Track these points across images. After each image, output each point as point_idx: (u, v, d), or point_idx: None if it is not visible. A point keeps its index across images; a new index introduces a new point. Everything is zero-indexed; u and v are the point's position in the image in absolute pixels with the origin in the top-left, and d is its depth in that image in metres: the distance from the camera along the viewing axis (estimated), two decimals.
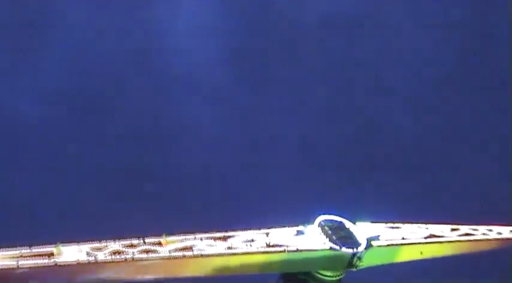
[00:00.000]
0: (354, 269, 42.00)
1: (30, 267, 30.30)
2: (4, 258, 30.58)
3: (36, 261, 30.54)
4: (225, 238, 37.41)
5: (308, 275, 41.45)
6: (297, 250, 39.05)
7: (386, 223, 45.19)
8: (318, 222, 41.60)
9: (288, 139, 62.19)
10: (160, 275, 34.92)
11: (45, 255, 31.16)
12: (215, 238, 36.99)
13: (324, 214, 42.38)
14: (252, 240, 38.28)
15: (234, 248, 37.03)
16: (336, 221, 42.43)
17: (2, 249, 30.68)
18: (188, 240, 35.93)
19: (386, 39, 70.25)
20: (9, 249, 30.70)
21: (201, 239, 36.46)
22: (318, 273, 41.31)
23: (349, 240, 41.52)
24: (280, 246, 38.67)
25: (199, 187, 58.19)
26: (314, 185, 56.42)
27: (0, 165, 59.83)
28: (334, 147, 62.81)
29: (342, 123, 64.70)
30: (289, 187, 57.76)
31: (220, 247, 36.70)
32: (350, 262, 41.30)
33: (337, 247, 40.25)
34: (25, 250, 30.82)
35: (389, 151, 62.40)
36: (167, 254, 34.36)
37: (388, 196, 53.88)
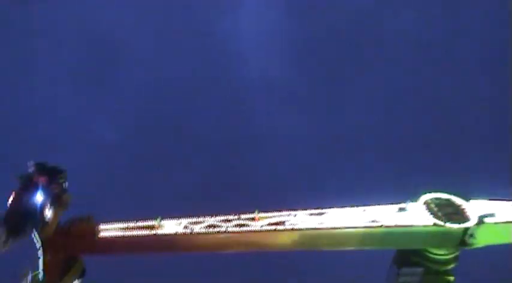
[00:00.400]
0: (468, 247, 41.60)
1: (133, 237, 35.94)
2: (114, 230, 36.56)
3: (139, 232, 36.26)
4: (319, 214, 39.68)
5: (420, 256, 41.52)
6: (396, 226, 39.84)
7: (506, 200, 43.70)
8: (423, 199, 41.65)
9: (372, 127, 61.52)
10: (251, 248, 38.17)
11: (148, 227, 36.72)
12: (309, 214, 39.51)
13: (430, 192, 42.50)
14: (349, 217, 39.98)
15: (327, 223, 39.06)
16: (444, 198, 42.02)
17: (114, 222, 36.76)
18: (282, 216, 38.87)
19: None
20: (120, 222, 36.68)
21: (295, 215, 39.26)
22: (430, 252, 41.24)
23: (456, 216, 40.87)
24: (378, 221, 39.70)
25: (294, 176, 59.72)
26: (421, 165, 55.32)
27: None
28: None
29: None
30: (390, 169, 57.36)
31: (313, 222, 39.09)
32: (462, 239, 40.73)
33: (441, 223, 40.00)
34: (131, 224, 36.58)
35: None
36: (258, 228, 37.85)
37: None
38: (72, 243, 34.77)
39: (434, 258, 41.53)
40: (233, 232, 37.03)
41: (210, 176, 65.63)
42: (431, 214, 40.61)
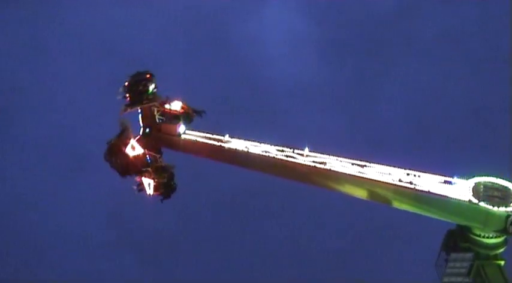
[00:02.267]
0: (509, 236, 42.45)
1: (204, 143, 47.27)
2: (194, 135, 48.26)
3: (211, 142, 47.27)
4: (361, 166, 45.00)
5: (469, 241, 43.51)
6: (428, 192, 42.95)
7: None
8: (474, 179, 43.52)
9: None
10: (292, 177, 45.54)
11: (218, 140, 47.23)
12: (352, 163, 45.19)
13: (486, 175, 43.87)
14: (389, 174, 44.44)
15: (365, 174, 43.98)
16: (496, 183, 43.32)
17: (197, 131, 48.43)
18: (327, 158, 45.53)
19: None
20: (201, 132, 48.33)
21: (340, 161, 45.51)
22: (478, 236, 43.02)
23: (499, 200, 42.14)
24: (413, 184, 43.21)
25: None
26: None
27: None
28: None
29: None
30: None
31: (352, 170, 44.63)
32: (504, 228, 41.61)
33: (476, 201, 41.92)
34: (208, 135, 47.86)
35: None
36: (302, 162, 45.25)
37: None
38: (159, 137, 47.65)
39: (483, 242, 43.22)
40: (281, 160, 45.32)
41: None
42: (472, 191, 42.70)
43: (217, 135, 47.14)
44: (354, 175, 44.36)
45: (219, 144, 46.61)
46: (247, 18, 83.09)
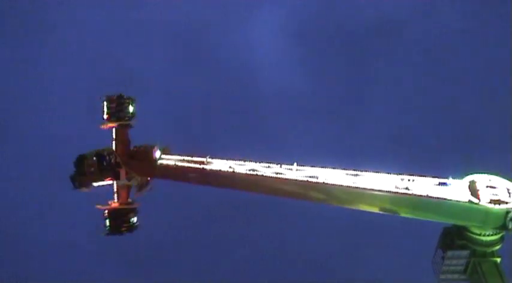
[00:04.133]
0: (509, 232, 41.33)
1: (184, 167, 43.46)
2: (172, 160, 44.45)
3: (191, 165, 43.67)
4: (355, 175, 42.98)
5: (466, 239, 42.50)
6: (427, 197, 41.46)
7: None
8: (468, 178, 42.43)
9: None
10: (284, 195, 42.83)
11: (199, 162, 43.89)
12: (345, 174, 42.90)
13: (479, 173, 42.85)
14: (382, 182, 42.33)
15: (361, 184, 41.86)
16: (490, 180, 42.29)
17: (174, 155, 44.68)
18: (317, 170, 43.17)
19: None
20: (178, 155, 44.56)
21: (332, 172, 43.14)
22: (475, 234, 42.07)
23: (498, 198, 41.00)
24: (410, 190, 41.64)
25: None
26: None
27: None
28: None
29: None
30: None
31: (347, 180, 42.54)
32: (503, 223, 40.87)
33: (476, 201, 40.85)
34: (186, 157, 44.15)
35: None
36: (293, 177, 42.62)
37: None
38: (135, 164, 43.73)
39: (480, 240, 42.28)
40: (269, 177, 42.59)
41: None
42: (471, 192, 41.55)
43: (197, 156, 43.73)
44: (349, 187, 42.18)
45: (200, 166, 43.25)
46: (231, 30, 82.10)
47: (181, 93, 77.03)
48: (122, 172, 43.03)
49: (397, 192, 41.80)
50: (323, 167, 42.98)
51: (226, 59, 78.95)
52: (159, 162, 43.67)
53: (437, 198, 41.55)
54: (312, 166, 43.05)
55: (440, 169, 43.82)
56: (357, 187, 41.95)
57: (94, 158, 42.27)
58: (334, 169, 42.94)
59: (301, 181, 42.16)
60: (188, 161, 43.54)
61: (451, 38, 71.49)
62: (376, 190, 41.84)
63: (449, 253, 43.03)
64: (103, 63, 78.42)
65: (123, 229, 43.62)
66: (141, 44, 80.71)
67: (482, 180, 42.57)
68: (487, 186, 42.22)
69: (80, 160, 42.85)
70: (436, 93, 68.93)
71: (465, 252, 43.03)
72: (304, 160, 42.22)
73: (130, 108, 44.46)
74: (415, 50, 72.49)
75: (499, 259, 43.02)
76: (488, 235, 42.28)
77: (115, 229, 43.61)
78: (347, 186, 42.05)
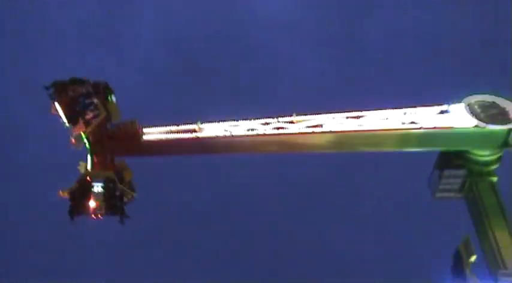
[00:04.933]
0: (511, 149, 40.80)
1: (175, 139, 37.76)
2: (158, 133, 38.47)
3: (181, 135, 38.03)
4: (358, 117, 40.08)
5: (463, 158, 41.72)
6: (435, 128, 39.79)
7: None
8: (466, 101, 40.95)
9: None
10: (289, 150, 39.25)
11: (189, 131, 38.38)
12: (347, 117, 39.91)
13: (473, 94, 41.58)
14: (387, 119, 40.06)
15: (365, 125, 39.24)
16: (487, 100, 41.24)
17: (156, 126, 38.60)
18: (319, 118, 39.60)
19: None
20: (161, 126, 38.49)
21: (333, 118, 39.78)
22: (473, 154, 41.31)
23: (500, 117, 40.32)
24: (417, 123, 39.66)
25: None
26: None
27: None
28: None
29: None
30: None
31: (351, 124, 39.60)
32: (505, 140, 40.18)
33: (483, 124, 39.65)
34: (173, 127, 38.33)
35: None
36: (296, 130, 38.84)
37: None
38: (117, 145, 37.15)
39: (477, 159, 41.68)
40: (271, 134, 38.27)
41: None
42: (473, 115, 40.14)
43: (186, 123, 37.91)
44: (357, 131, 39.15)
45: (193, 135, 37.62)
46: None
47: None
48: None
49: (405, 129, 39.61)
50: (321, 112, 39.75)
51: None
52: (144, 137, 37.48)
53: (445, 128, 39.84)
54: (313, 113, 39.41)
55: (437, 95, 42.52)
56: (364, 131, 39.21)
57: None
58: (335, 114, 39.80)
59: (306, 133, 38.51)
60: (177, 132, 37.77)
61: None
62: (384, 130, 39.43)
63: (446, 172, 42.42)
64: None
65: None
66: None
67: (480, 100, 41.19)
68: (487, 107, 41.19)
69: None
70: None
71: (462, 171, 42.39)
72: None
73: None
74: None
75: (495, 179, 42.56)
76: (486, 155, 41.59)
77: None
78: (354, 131, 39.10)
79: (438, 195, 43.52)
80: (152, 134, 37.68)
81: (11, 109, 66.11)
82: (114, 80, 37.83)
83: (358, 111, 39.97)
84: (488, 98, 41.51)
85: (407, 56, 63.70)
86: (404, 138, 39.82)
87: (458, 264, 41.25)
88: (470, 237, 40.87)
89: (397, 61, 63.19)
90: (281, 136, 38.22)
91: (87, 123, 36.46)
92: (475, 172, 42.37)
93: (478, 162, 41.90)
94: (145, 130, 37.66)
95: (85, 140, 36.61)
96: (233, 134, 37.94)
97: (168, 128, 37.82)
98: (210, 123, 38.25)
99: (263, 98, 59.24)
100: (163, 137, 37.57)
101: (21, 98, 63.88)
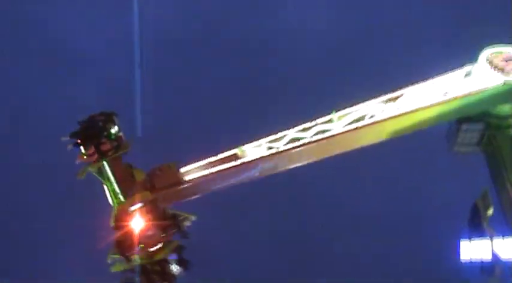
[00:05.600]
0: None
1: (220, 171, 32.55)
2: (198, 169, 33.06)
3: (225, 165, 32.84)
4: (394, 99, 36.99)
5: (481, 112, 39.59)
6: (469, 94, 37.51)
7: None
8: (484, 56, 38.74)
9: None
10: (340, 151, 35.62)
11: (231, 158, 33.25)
12: (384, 102, 36.63)
13: (488, 47, 39.43)
14: (421, 95, 37.34)
15: (405, 107, 36.44)
16: (506, 51, 39.00)
17: (191, 163, 33.06)
18: (357, 110, 36.03)
19: None
20: (198, 161, 33.06)
21: (367, 106, 36.29)
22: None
23: None
24: (449, 93, 37.31)
25: None
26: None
27: None
28: None
29: None
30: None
31: (391, 109, 36.38)
32: None
33: (509, 78, 37.45)
34: (212, 159, 33.01)
35: None
36: (341, 129, 35.00)
37: None
38: (161, 196, 31.40)
39: (495, 113, 39.88)
40: (318, 140, 34.13)
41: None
42: (498, 70, 37.98)
43: (224, 151, 32.52)
44: (401, 115, 36.13)
45: (238, 162, 32.41)
46: None
47: None
48: None
49: (443, 101, 37.08)
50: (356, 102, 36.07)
51: None
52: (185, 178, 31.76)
53: (478, 91, 37.70)
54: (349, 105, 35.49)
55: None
56: (406, 113, 36.16)
57: None
58: (370, 101, 36.25)
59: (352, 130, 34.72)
60: (216, 163, 32.28)
61: None
62: (426, 108, 36.69)
63: (464, 126, 40.38)
64: None
65: None
66: None
67: (498, 53, 38.79)
68: (506, 59, 39.15)
69: None
70: None
71: (480, 125, 40.59)
72: None
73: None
74: None
75: None
76: (504, 109, 39.75)
77: None
78: (398, 115, 35.97)
79: (456, 148, 41.63)
80: (191, 172, 32.13)
81: None
82: None
83: (391, 92, 37.01)
84: (504, 48, 39.21)
85: None
86: (443, 111, 37.44)
87: (476, 218, 40.41)
88: (488, 190, 39.94)
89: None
90: (329, 139, 34.19)
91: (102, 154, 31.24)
92: (494, 125, 40.56)
93: (496, 116, 40.08)
94: (182, 170, 32.04)
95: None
96: (279, 149, 33.31)
97: (206, 161, 32.40)
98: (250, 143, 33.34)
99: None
100: (205, 172, 32.17)
101: None
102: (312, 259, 60.14)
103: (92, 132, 30.83)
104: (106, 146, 30.94)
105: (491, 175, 41.89)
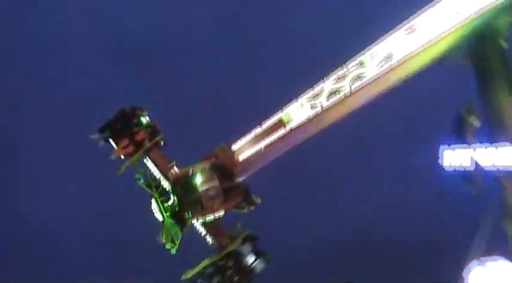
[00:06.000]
0: None
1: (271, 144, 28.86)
2: (248, 145, 29.18)
3: (273, 136, 29.04)
4: (410, 31, 34.09)
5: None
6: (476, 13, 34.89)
7: None
8: None
9: None
10: (380, 91, 32.64)
11: (277, 125, 29.42)
12: (404, 34, 33.70)
13: None
14: (435, 19, 34.63)
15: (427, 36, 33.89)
16: None
17: (237, 141, 29.06)
18: (382, 49, 32.93)
19: None
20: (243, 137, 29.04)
21: (392, 41, 33.31)
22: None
23: None
24: (460, 12, 34.64)
25: None
26: None
27: None
28: None
29: None
30: None
31: (413, 43, 33.68)
32: None
33: None
34: (257, 130, 29.07)
35: None
36: (377, 71, 31.98)
37: None
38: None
39: (491, 24, 36.81)
40: (360, 88, 31.07)
41: None
42: None
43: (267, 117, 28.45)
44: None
45: (286, 130, 28.63)
46: None
47: None
48: None
49: (459, 24, 34.61)
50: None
51: None
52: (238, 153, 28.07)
53: (487, 5, 34.88)
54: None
55: None
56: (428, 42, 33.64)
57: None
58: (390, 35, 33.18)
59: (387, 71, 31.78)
60: (263, 135, 28.23)
61: None
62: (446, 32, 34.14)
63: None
64: None
65: None
66: None
67: None
68: None
69: None
70: None
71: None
72: None
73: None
74: None
75: (505, 45, 38.49)
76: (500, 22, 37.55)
77: None
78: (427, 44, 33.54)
79: (447, 60, 37.99)
80: (242, 149, 27.92)
81: None
82: None
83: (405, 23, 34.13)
84: None
85: None
86: (460, 34, 35.18)
87: (460, 126, 38.91)
88: (474, 101, 39.17)
89: None
90: (370, 85, 31.11)
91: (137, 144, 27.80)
92: (487, 37, 38.21)
93: (491, 28, 37.73)
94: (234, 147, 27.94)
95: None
96: (323, 106, 29.73)
97: (253, 134, 28.28)
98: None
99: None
100: (257, 148, 28.13)
101: None
102: None
103: (122, 122, 26.98)
104: (140, 135, 27.17)
105: (478, 87, 40.06)
